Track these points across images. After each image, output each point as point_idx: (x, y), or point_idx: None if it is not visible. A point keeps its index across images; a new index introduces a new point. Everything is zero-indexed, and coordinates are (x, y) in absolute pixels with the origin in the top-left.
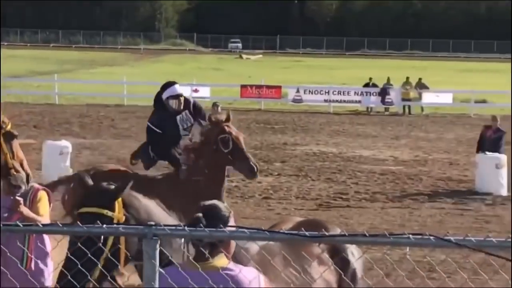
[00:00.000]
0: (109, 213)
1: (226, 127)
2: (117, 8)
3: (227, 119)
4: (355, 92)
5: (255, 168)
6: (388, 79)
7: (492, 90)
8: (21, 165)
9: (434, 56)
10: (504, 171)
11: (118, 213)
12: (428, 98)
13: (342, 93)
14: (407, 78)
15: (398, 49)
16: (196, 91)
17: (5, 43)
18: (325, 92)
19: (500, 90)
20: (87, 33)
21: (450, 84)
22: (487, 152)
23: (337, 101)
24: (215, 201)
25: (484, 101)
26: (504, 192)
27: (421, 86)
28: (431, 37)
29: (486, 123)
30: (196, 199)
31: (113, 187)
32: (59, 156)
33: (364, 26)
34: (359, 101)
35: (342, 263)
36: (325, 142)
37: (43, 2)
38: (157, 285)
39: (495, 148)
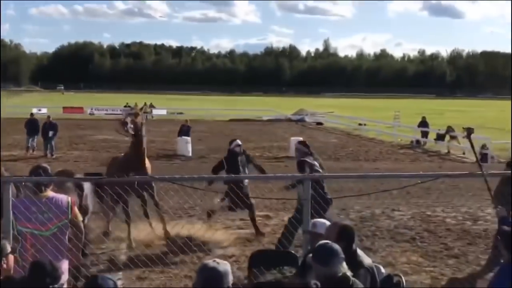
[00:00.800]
0: None
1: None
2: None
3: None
4: (119, 110)
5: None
6: (146, 104)
7: (198, 107)
8: None
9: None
10: (190, 145)
11: None
12: (157, 112)
13: (110, 110)
14: (151, 103)
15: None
16: (40, 110)
17: None
18: (106, 110)
19: (194, 108)
20: None
21: (165, 104)
22: (183, 137)
23: (109, 113)
24: (45, 165)
25: (181, 113)
26: (189, 154)
27: (151, 106)
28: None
29: (183, 123)
30: (127, 165)
31: None
32: None
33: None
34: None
35: (80, 189)
36: (106, 133)
37: None
38: (11, 208)
39: (187, 134)
